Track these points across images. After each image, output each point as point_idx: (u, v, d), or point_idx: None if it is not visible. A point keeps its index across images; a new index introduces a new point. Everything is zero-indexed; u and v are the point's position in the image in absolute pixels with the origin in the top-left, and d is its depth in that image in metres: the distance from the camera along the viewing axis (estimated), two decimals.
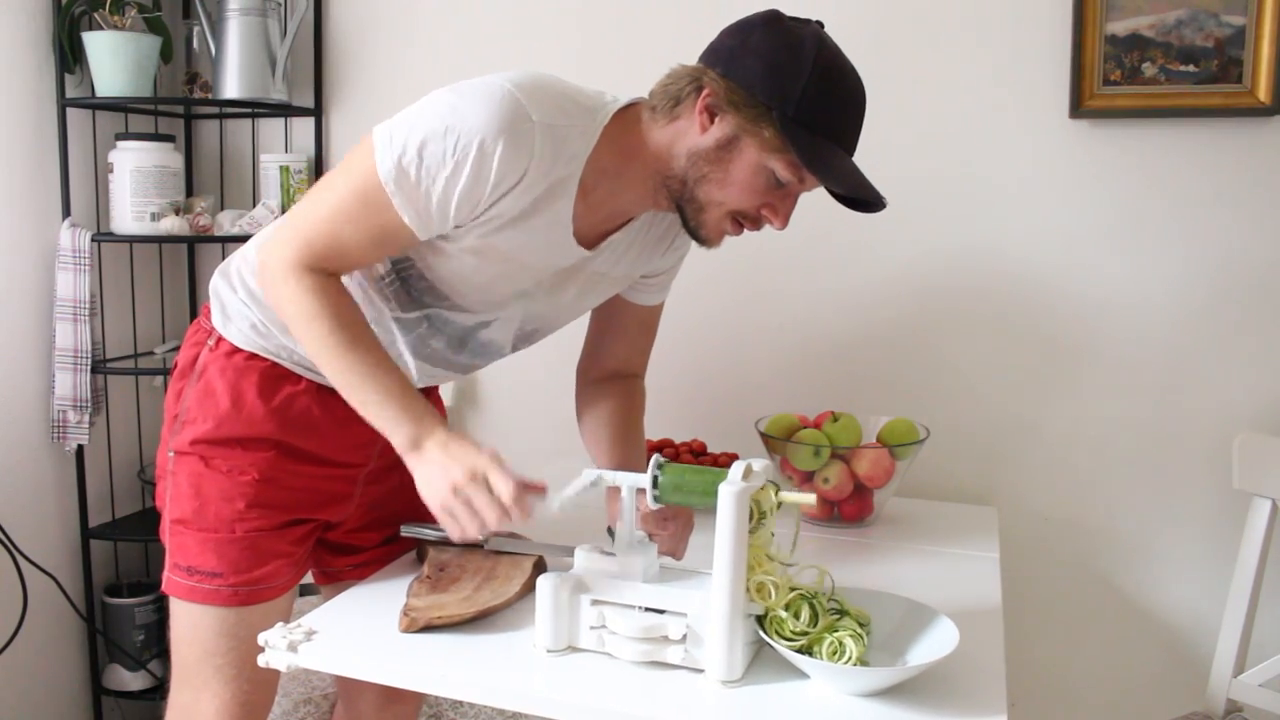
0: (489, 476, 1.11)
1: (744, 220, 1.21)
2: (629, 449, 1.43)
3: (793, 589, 1.10)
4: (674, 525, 1.32)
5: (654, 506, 1.18)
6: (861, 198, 1.17)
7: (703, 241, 1.24)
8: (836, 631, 1.08)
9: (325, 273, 1.19)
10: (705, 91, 1.16)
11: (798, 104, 1.12)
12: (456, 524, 1.13)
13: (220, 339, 1.34)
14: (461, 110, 1.12)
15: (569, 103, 1.18)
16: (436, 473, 1.14)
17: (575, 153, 1.17)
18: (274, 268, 1.19)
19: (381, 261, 1.26)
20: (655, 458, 1.17)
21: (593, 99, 1.21)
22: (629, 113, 1.22)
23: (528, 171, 1.14)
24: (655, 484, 1.15)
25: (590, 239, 1.26)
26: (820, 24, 1.18)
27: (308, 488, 1.36)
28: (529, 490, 1.12)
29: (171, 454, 1.35)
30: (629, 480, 1.16)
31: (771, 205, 1.20)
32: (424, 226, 1.17)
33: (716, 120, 1.16)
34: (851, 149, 1.19)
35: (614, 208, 1.26)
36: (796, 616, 1.08)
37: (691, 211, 1.21)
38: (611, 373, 1.49)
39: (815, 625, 1.08)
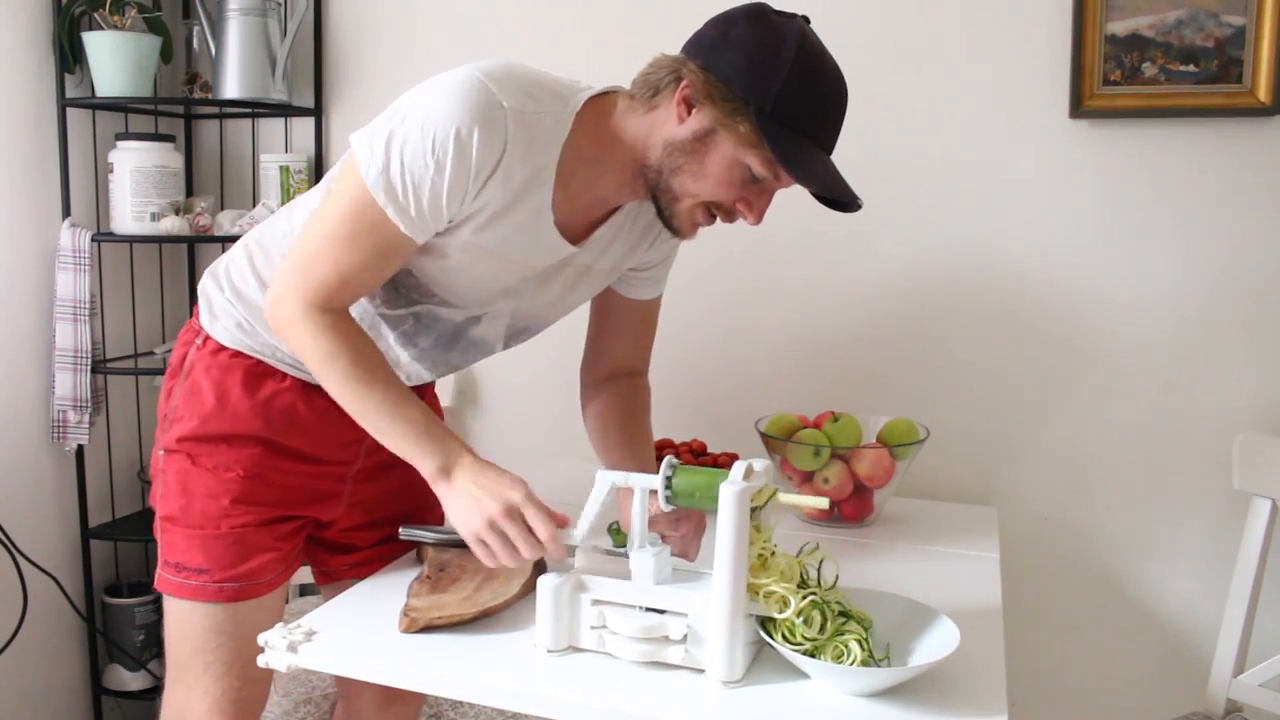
0: (526, 514, 1.14)
1: (717, 211, 1.21)
2: (636, 447, 1.42)
3: (806, 595, 1.09)
4: (686, 526, 1.32)
5: (666, 509, 1.18)
6: (836, 198, 1.16)
7: (675, 231, 1.24)
8: (842, 635, 1.08)
9: (336, 310, 1.20)
10: (683, 83, 1.15)
11: (775, 100, 1.11)
12: (490, 554, 1.16)
13: (207, 337, 1.35)
14: (435, 105, 1.11)
15: (539, 89, 1.17)
16: (471, 505, 1.15)
17: (549, 140, 1.17)
18: (288, 317, 1.19)
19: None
20: (668, 460, 1.16)
21: (566, 86, 1.21)
22: (604, 100, 1.22)
23: (503, 158, 1.13)
24: (668, 486, 1.15)
25: (574, 231, 1.26)
26: (806, 19, 1.17)
27: (294, 485, 1.36)
28: (560, 525, 1.15)
29: (161, 452, 1.35)
30: (642, 482, 1.16)
31: (746, 200, 1.19)
32: (419, 230, 1.16)
33: (694, 112, 1.15)
34: (829, 148, 1.18)
35: (594, 196, 1.25)
36: (808, 624, 1.07)
37: (665, 201, 1.20)
38: (614, 371, 1.49)
39: (824, 631, 1.08)
